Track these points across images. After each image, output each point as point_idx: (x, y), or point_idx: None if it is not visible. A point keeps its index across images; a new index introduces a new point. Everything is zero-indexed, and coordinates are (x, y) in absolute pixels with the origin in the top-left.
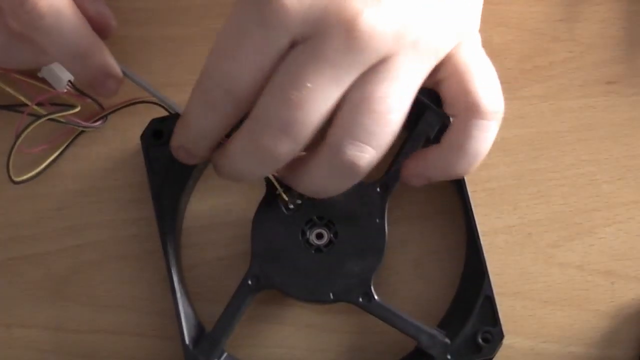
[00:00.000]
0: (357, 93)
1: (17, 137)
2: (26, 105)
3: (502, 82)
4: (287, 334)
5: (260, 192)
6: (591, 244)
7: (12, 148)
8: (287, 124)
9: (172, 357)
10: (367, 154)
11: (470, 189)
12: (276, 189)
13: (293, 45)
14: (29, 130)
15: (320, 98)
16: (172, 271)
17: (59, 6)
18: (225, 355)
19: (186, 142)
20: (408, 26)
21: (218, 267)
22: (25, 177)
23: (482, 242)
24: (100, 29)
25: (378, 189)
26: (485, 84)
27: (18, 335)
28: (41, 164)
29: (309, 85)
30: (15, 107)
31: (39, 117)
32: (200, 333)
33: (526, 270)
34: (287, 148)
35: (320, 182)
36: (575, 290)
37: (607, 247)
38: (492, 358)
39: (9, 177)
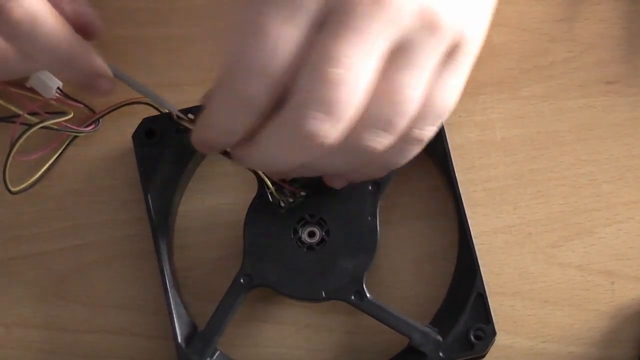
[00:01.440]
0: (383, 78)
1: (11, 147)
2: (18, 115)
3: (502, 82)
4: (287, 334)
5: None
6: (591, 244)
7: (7, 158)
8: (330, 104)
9: (171, 356)
10: (385, 139)
11: (470, 189)
12: (268, 187)
13: (323, 18)
14: (22, 139)
15: (359, 72)
16: (165, 270)
17: (34, 11)
18: (218, 353)
19: (210, 139)
20: (434, 8)
21: (216, 267)
22: (22, 186)
23: (481, 242)
24: (81, 30)
25: (370, 187)
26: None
27: (18, 335)
28: (37, 171)
29: (345, 59)
30: (7, 118)
31: (31, 125)
32: (193, 332)
33: (526, 270)
34: (333, 130)
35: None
36: (575, 290)
37: (607, 247)
38: (484, 355)
39: (6, 187)
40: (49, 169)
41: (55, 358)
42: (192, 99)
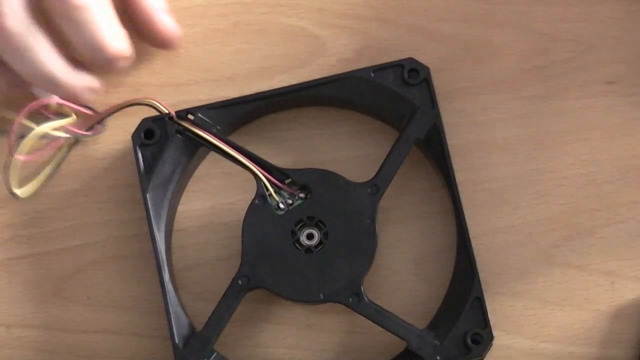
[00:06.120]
0: None
1: (11, 150)
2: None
3: (502, 82)
4: (287, 334)
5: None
6: (591, 244)
7: (10, 164)
8: None
9: (171, 356)
10: None
11: (470, 189)
12: (267, 188)
13: None
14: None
15: None
16: (163, 270)
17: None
18: (215, 355)
19: None
20: None
21: (215, 267)
22: (27, 191)
23: (482, 242)
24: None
25: (369, 190)
26: None
27: (18, 335)
28: (41, 174)
29: None
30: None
31: (31, 129)
32: (190, 333)
33: (526, 270)
34: None
35: None
36: (575, 290)
37: (607, 247)
38: (482, 359)
39: (12, 193)
40: (52, 173)
41: (55, 358)
42: (192, 99)
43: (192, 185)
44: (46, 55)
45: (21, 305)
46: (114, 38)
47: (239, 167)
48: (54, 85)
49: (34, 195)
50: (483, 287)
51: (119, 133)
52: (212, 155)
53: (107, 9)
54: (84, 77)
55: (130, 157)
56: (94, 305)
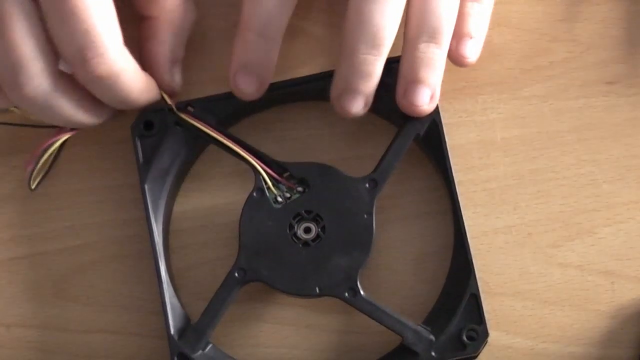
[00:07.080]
0: None
1: (41, 153)
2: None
3: (502, 82)
4: (287, 334)
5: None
6: (591, 244)
7: (38, 161)
8: None
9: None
10: None
11: (470, 189)
12: (265, 182)
13: None
14: (56, 145)
15: None
16: (159, 261)
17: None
18: (210, 346)
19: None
20: None
21: (218, 267)
22: (37, 181)
23: (481, 242)
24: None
25: (367, 185)
26: None
27: (18, 335)
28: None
29: None
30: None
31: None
32: (186, 325)
33: (526, 270)
34: None
35: None
36: (575, 290)
37: (607, 247)
38: (476, 356)
39: (29, 187)
40: (54, 159)
41: (55, 358)
42: (192, 98)
43: (191, 185)
44: (71, 110)
45: (21, 305)
46: (144, 92)
47: (239, 167)
48: (80, 126)
49: (28, 191)
50: (483, 287)
51: (118, 133)
52: (212, 151)
53: (133, 65)
54: (109, 109)
55: (130, 157)
56: (93, 305)
